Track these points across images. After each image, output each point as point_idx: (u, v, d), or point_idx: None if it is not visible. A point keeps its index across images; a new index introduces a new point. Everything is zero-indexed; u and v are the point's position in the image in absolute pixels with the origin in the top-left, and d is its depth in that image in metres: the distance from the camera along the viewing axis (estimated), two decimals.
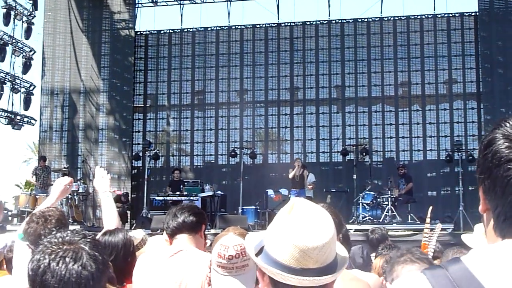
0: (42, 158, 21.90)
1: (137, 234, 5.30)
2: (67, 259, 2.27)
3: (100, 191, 5.25)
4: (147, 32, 26.47)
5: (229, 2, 25.58)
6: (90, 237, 2.44)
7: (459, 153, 20.37)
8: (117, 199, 21.73)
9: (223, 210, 20.59)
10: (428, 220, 6.88)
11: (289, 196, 19.55)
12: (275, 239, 2.08)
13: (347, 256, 2.25)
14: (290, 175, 19.70)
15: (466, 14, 23.92)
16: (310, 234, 2.04)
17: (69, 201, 19.56)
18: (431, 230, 6.55)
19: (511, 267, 1.42)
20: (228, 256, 3.10)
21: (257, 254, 2.15)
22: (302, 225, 2.06)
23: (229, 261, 3.10)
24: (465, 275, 1.46)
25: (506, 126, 1.48)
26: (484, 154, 1.52)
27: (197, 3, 26.15)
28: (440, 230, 6.42)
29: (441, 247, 5.95)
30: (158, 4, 26.49)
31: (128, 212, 22.19)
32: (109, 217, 4.99)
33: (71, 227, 3.46)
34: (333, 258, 2.10)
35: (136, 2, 26.06)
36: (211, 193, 20.20)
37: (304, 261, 2.02)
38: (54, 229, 3.95)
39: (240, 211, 20.10)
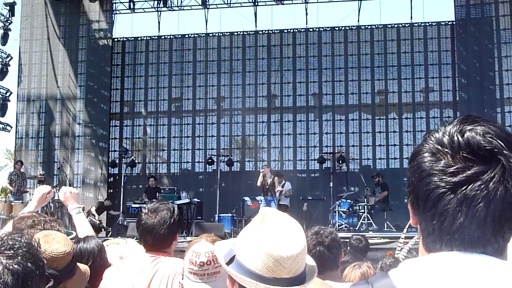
0: (18, 162, 21.78)
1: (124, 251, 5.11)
2: None
3: (68, 208, 5.18)
4: (124, 39, 26.38)
5: (206, 10, 25.56)
6: (23, 251, 2.27)
7: None
8: (101, 206, 21.64)
9: (200, 217, 20.48)
10: (405, 230, 6.94)
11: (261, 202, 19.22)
12: (248, 249, 2.07)
13: (315, 266, 2.25)
14: (258, 183, 19.57)
15: (443, 23, 24.10)
16: (284, 244, 2.03)
17: (45, 208, 19.38)
18: (406, 238, 6.60)
19: (432, 282, 1.41)
20: (200, 262, 3.11)
21: (228, 263, 2.14)
22: (275, 235, 2.05)
23: (201, 267, 3.11)
24: None
25: (431, 140, 1.46)
26: (410, 167, 1.51)
27: (175, 10, 26.10)
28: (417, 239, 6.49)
29: (407, 256, 6.00)
30: (136, 11, 26.42)
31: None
32: (83, 233, 4.92)
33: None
34: (304, 268, 2.10)
35: (113, 8, 25.98)
36: (187, 200, 20.07)
37: (277, 270, 2.01)
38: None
39: (216, 218, 19.99)
